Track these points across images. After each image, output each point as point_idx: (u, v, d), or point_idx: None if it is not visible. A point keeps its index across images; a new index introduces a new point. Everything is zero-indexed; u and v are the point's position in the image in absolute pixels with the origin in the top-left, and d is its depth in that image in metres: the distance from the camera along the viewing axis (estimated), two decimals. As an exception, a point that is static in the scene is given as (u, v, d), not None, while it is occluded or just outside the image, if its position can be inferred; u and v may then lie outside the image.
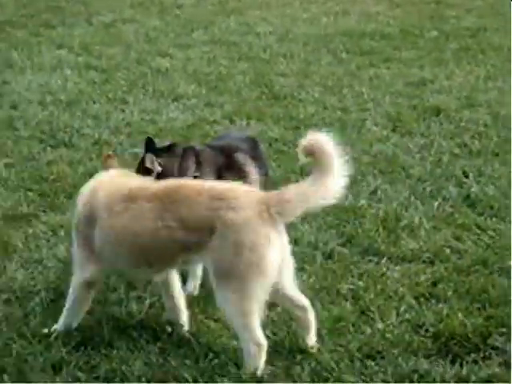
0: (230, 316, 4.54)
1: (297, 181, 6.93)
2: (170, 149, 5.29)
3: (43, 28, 12.04)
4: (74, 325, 4.86)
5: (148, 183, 4.81)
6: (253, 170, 5.44)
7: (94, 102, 8.96)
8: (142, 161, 5.26)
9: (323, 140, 4.61)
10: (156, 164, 5.19)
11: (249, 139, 5.82)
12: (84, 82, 9.64)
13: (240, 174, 5.34)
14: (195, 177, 5.21)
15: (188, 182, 4.78)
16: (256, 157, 5.59)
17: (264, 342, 4.49)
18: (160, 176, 5.14)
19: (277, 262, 4.48)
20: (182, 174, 5.19)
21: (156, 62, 10.52)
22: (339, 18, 13.25)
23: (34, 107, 8.70)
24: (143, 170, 5.18)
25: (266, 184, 5.56)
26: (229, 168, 5.36)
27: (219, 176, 5.30)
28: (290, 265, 4.65)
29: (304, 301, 4.76)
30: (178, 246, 4.55)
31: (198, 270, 5.39)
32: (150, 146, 5.28)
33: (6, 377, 4.44)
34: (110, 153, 5.36)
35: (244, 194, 4.55)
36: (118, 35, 11.92)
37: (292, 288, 4.70)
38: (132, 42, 11.49)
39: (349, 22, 12.91)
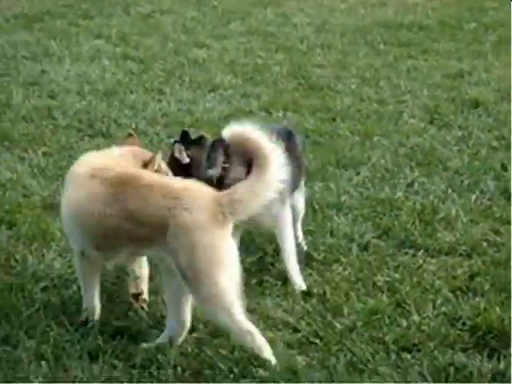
0: (211, 316, 4.56)
1: (333, 172, 7.00)
2: (199, 140, 5.27)
3: (81, 18, 12.09)
4: (97, 304, 4.89)
5: (118, 167, 4.73)
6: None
7: (132, 92, 8.99)
8: (173, 151, 5.27)
9: (256, 134, 4.56)
10: (184, 154, 5.16)
11: (283, 130, 5.76)
12: (121, 72, 9.68)
13: None
14: (224, 168, 5.19)
15: (144, 175, 4.68)
16: (289, 149, 5.51)
17: (253, 328, 4.49)
18: (188, 167, 5.13)
19: (237, 255, 4.50)
20: (210, 165, 5.17)
21: (193, 53, 10.53)
22: (377, 8, 13.16)
23: (72, 97, 8.75)
24: (173, 160, 5.17)
25: (297, 176, 5.54)
26: None
27: (249, 168, 5.26)
28: None
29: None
30: (125, 236, 4.55)
31: None
32: (184, 138, 5.27)
33: (43, 363, 4.48)
34: (132, 132, 5.35)
35: (199, 193, 4.52)
36: (155, 26, 11.95)
37: None
38: (169, 33, 11.51)
39: (386, 13, 12.82)
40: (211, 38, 11.34)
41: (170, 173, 5.06)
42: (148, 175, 4.71)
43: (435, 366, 4.52)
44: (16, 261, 5.52)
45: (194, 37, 11.36)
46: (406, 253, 5.76)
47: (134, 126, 7.96)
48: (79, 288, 5.13)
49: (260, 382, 4.40)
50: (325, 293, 5.21)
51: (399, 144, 7.69)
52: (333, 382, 4.39)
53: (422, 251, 5.76)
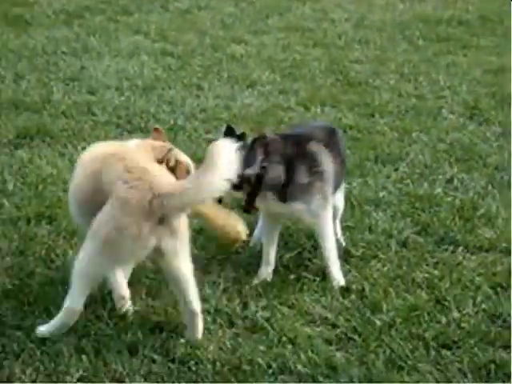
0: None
1: (371, 168, 6.98)
2: (240, 138, 5.22)
3: (120, 14, 12.14)
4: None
5: (125, 154, 4.79)
6: (326, 160, 5.36)
7: (170, 88, 9.03)
8: None
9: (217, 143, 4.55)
10: None
11: (326, 128, 5.74)
12: (160, 67, 9.72)
13: (312, 164, 5.28)
14: (263, 167, 5.17)
15: (128, 155, 4.75)
16: (332, 146, 5.49)
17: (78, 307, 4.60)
18: None
19: (132, 250, 4.51)
20: (249, 163, 5.14)
21: (231, 49, 10.54)
22: (415, 3, 13.08)
23: (111, 92, 8.80)
24: None
25: (340, 175, 5.53)
26: (300, 157, 5.28)
27: (289, 166, 5.24)
28: (181, 254, 4.60)
29: (191, 296, 4.69)
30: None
31: (272, 257, 5.40)
32: (229, 134, 5.23)
33: (84, 357, 4.51)
34: (158, 127, 5.36)
35: (149, 177, 4.53)
36: (193, 22, 11.97)
37: (180, 280, 4.67)
38: (207, 29, 11.53)
39: (425, 8, 12.74)
40: (249, 33, 11.34)
41: (193, 166, 5.05)
42: (132, 156, 4.74)
43: (475, 363, 4.49)
44: (56, 255, 5.57)
45: (231, 32, 11.37)
46: (446, 249, 5.73)
47: (172, 121, 7.99)
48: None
49: (298, 377, 4.40)
50: (363, 289, 5.20)
51: (438, 140, 7.64)
52: (372, 378, 4.38)
53: (461, 248, 5.73)
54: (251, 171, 5.16)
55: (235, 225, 4.97)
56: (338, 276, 5.32)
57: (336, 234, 5.62)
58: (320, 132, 5.57)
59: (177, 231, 4.54)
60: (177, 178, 4.86)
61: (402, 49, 10.66)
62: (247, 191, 5.23)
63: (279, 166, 5.22)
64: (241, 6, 12.94)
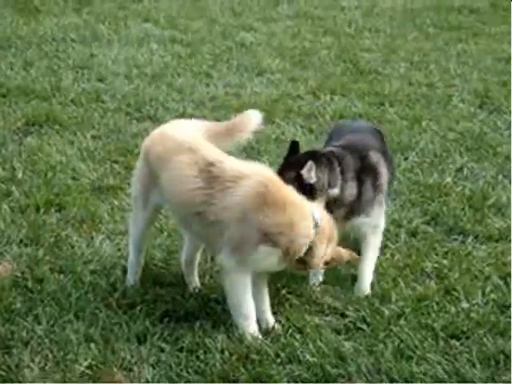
0: None
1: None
2: (315, 157, 4.89)
3: (130, 1, 12.11)
4: None
5: None
6: (384, 171, 5.11)
7: (179, 76, 9.01)
8: (292, 165, 4.88)
9: None
10: (313, 174, 4.80)
11: (376, 132, 5.45)
12: (169, 55, 9.70)
13: (374, 176, 5.05)
14: (341, 186, 4.91)
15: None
16: (385, 153, 5.25)
17: None
18: (311, 187, 4.80)
19: None
20: (331, 184, 4.89)
21: (240, 36, 10.51)
22: (426, -9, 13.03)
23: (121, 80, 8.79)
24: (296, 178, 4.79)
25: (392, 180, 5.32)
26: (365, 170, 5.04)
27: (358, 180, 4.99)
28: None
29: None
30: None
31: None
32: (295, 150, 4.97)
33: (92, 345, 4.51)
34: None
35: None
36: (203, 9, 11.95)
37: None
38: (217, 16, 11.50)
39: (436, -4, 12.69)
40: (259, 21, 11.31)
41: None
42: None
43: (484, 353, 4.48)
44: (65, 243, 5.57)
45: (241, 20, 11.34)
46: (455, 239, 5.71)
47: (181, 109, 7.98)
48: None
49: (307, 366, 4.39)
50: (372, 279, 5.18)
51: (448, 129, 7.61)
52: (380, 368, 4.37)
53: (471, 237, 5.71)
54: (335, 192, 4.93)
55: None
56: (366, 287, 5.12)
57: None
58: (373, 138, 5.31)
59: None
60: None
61: (412, 37, 10.62)
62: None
63: (353, 183, 4.99)
64: (250, -7, 12.89)
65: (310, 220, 4.54)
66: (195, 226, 4.72)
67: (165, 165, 4.79)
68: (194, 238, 4.98)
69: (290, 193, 4.60)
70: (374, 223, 5.10)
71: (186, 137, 4.87)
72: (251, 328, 4.61)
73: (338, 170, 4.94)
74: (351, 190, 4.97)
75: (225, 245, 4.57)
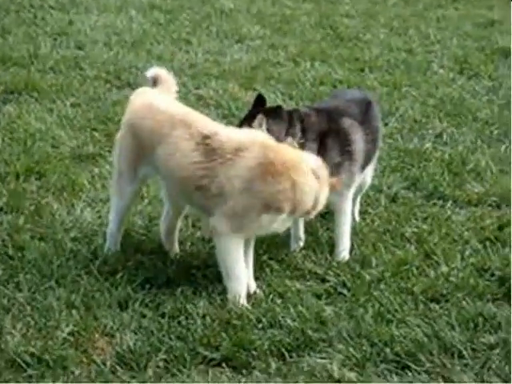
0: None
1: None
2: (276, 112, 4.97)
3: (108, -32, 12.02)
4: None
5: None
6: (358, 138, 5.10)
7: (159, 43, 8.96)
8: (247, 118, 4.97)
9: None
10: (264, 127, 4.85)
11: (362, 101, 5.39)
12: (148, 22, 9.64)
13: (343, 143, 5.04)
14: (301, 144, 4.87)
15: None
16: (366, 122, 5.20)
17: None
18: None
19: None
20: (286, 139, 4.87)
21: (220, 3, 10.46)
22: (406, -43, 12.98)
23: (100, 47, 8.74)
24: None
25: (372, 151, 5.28)
26: (332, 135, 5.04)
27: (321, 142, 4.99)
28: None
29: None
30: None
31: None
32: (259, 104, 5.01)
33: (74, 312, 4.51)
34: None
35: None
36: (182, -25, 11.86)
37: None
38: (196, -17, 11.43)
39: (416, -38, 12.64)
40: (238, -13, 11.24)
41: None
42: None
43: (463, 316, 4.52)
44: (45, 211, 5.55)
45: (221, -14, 11.26)
46: (435, 204, 5.75)
47: (161, 76, 7.92)
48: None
49: (288, 331, 4.42)
50: (353, 244, 5.21)
51: (428, 94, 7.63)
52: (360, 332, 4.41)
53: (450, 202, 5.75)
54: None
55: None
56: (344, 252, 5.14)
57: (353, 211, 5.40)
58: (355, 106, 5.26)
59: None
60: None
61: (392, 2, 10.61)
62: None
63: (314, 145, 4.99)
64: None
65: (310, 175, 4.55)
66: (197, 198, 4.70)
67: (159, 139, 4.73)
68: (194, 209, 4.96)
69: (288, 155, 4.59)
70: (338, 190, 4.91)
71: (177, 109, 4.85)
72: (242, 291, 4.63)
73: (298, 126, 4.97)
74: (311, 150, 4.90)
75: (221, 210, 4.58)
